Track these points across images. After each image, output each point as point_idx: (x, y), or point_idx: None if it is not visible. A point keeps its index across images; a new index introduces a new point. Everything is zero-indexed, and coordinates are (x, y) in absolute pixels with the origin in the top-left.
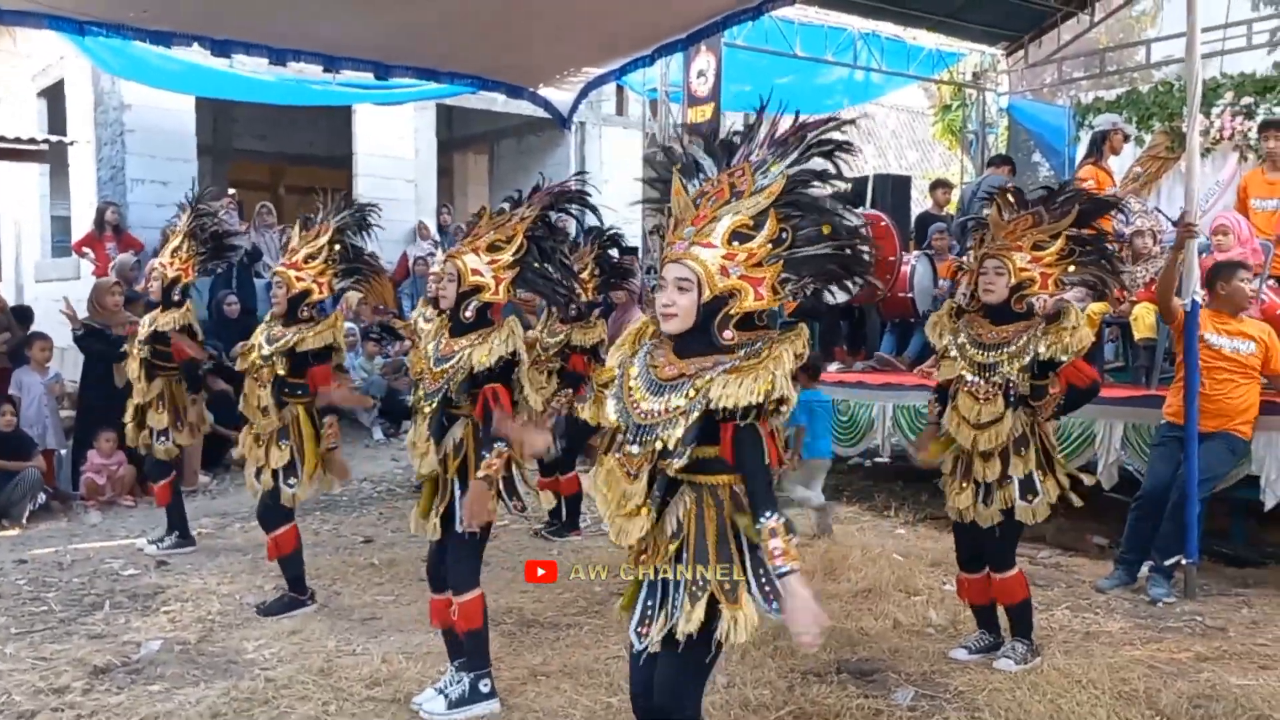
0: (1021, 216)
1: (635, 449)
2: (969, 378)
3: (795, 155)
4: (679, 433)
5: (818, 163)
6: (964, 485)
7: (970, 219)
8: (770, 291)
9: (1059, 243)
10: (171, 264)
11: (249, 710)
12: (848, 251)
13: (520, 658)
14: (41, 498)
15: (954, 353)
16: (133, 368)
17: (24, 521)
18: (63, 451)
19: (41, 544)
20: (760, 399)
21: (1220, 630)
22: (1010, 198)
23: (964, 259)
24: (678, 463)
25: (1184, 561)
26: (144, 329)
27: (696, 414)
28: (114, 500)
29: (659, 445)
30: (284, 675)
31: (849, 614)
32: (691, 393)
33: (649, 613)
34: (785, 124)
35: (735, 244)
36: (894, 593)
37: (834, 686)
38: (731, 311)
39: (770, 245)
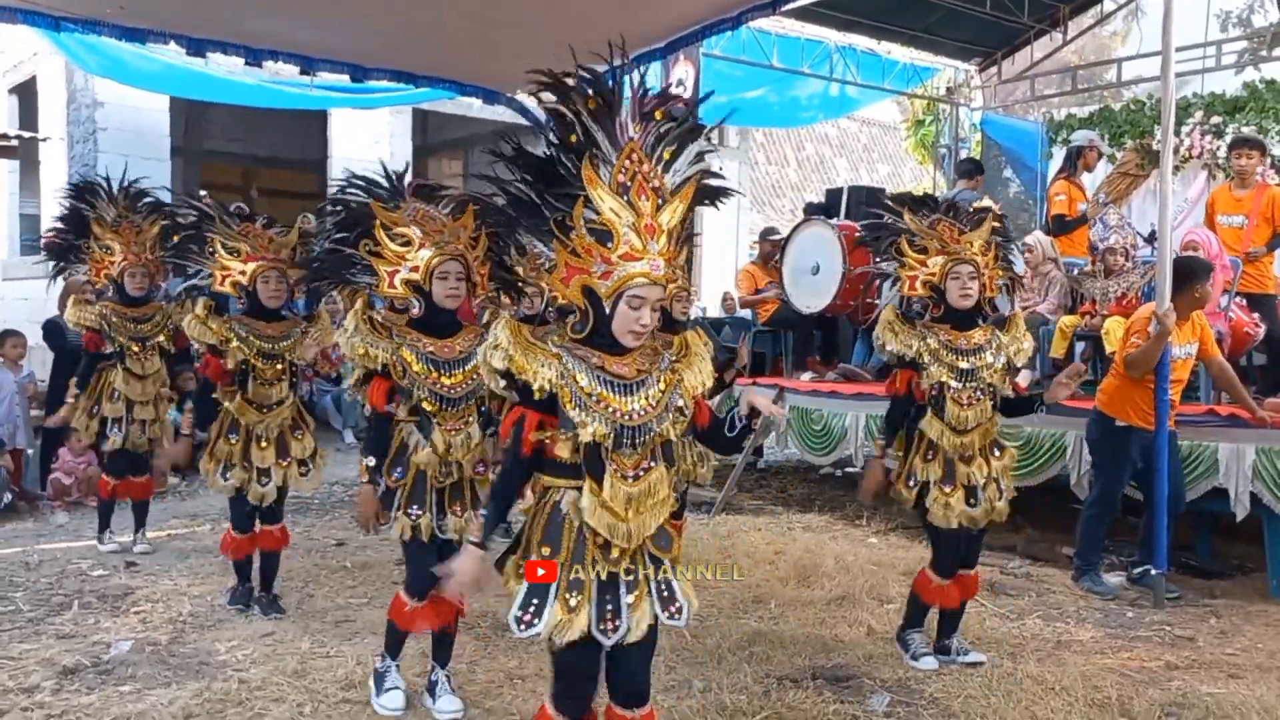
0: (940, 221)
1: (631, 450)
2: (953, 384)
3: (691, 151)
4: (678, 420)
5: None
6: (953, 490)
7: (876, 224)
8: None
9: (993, 249)
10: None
11: (222, 711)
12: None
13: (495, 661)
14: (7, 497)
15: (927, 359)
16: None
17: None
18: (30, 451)
19: (7, 544)
20: (711, 381)
21: (1189, 640)
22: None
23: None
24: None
25: (1153, 571)
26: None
27: (681, 401)
28: (80, 501)
29: (659, 439)
30: (257, 677)
31: (823, 621)
32: (664, 385)
33: (608, 609)
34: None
35: (673, 246)
36: (867, 600)
37: (810, 692)
38: None
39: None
